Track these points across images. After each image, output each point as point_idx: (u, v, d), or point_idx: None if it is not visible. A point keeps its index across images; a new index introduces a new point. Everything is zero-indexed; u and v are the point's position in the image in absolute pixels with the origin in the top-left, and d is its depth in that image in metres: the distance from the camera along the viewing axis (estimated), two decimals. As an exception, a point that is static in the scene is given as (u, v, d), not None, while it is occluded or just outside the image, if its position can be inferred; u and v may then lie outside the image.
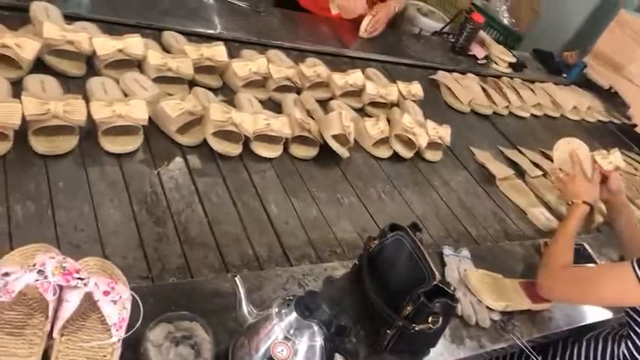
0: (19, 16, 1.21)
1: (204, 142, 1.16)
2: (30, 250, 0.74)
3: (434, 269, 0.82)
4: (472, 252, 1.17)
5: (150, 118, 1.10)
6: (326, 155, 1.30)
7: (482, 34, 2.18)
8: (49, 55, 1.14)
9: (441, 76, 1.91)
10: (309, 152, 1.29)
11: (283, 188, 1.18)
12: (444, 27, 2.28)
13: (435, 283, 0.81)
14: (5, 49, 1.07)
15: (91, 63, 1.20)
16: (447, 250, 1.14)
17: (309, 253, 1.06)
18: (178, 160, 1.11)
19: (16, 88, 1.04)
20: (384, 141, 1.43)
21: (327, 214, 1.17)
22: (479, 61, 2.10)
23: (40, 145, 0.97)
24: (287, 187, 1.19)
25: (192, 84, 1.29)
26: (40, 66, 1.13)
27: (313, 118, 1.34)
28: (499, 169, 1.59)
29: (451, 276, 1.08)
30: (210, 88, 1.31)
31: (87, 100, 1.04)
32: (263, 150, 1.22)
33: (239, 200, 1.09)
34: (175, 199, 1.02)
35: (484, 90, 1.95)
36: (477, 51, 2.11)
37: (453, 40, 2.16)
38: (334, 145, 1.28)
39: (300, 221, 1.12)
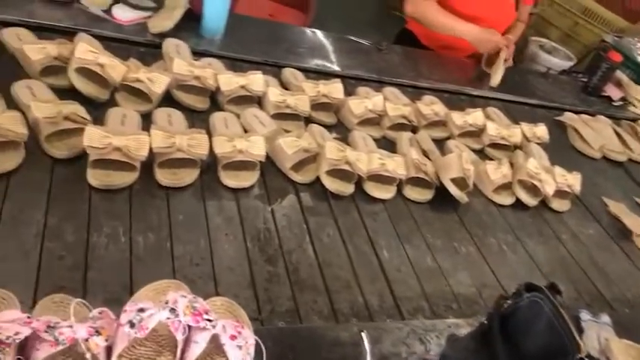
0: (153, 53, 1.28)
1: (317, 180, 1.14)
2: (162, 286, 0.75)
3: (579, 340, 0.72)
4: (612, 318, 1.03)
5: (267, 154, 1.10)
6: (442, 199, 1.23)
7: (618, 73, 2.00)
8: (177, 89, 1.19)
9: (568, 118, 1.76)
10: (425, 195, 1.23)
11: (396, 232, 1.12)
12: (574, 65, 2.14)
13: (579, 357, 0.70)
14: (138, 84, 1.12)
15: (215, 98, 1.24)
16: (584, 315, 1.01)
17: (423, 307, 0.98)
18: (291, 198, 1.10)
19: (146, 121, 1.09)
20: (506, 186, 1.32)
21: (442, 264, 1.09)
22: (614, 103, 1.92)
23: (164, 177, 1.00)
24: (400, 231, 1.13)
25: (308, 120, 1.29)
26: (167, 100, 1.18)
27: (430, 159, 1.28)
28: (636, 224, 1.42)
29: (590, 345, 0.95)
30: (325, 125, 1.30)
31: (209, 134, 1.07)
32: (376, 190, 1.17)
33: (350, 242, 1.05)
34: (287, 238, 1.00)
35: (618, 134, 1.77)
36: (613, 92, 1.93)
37: (584, 79, 2.01)
38: (452, 189, 1.20)
39: (413, 269, 1.05)
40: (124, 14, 1.29)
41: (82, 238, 0.85)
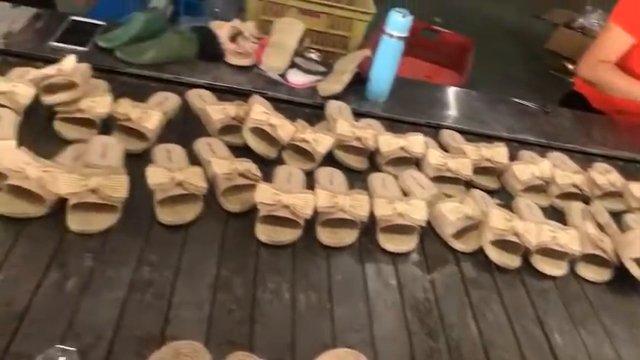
0: (317, 113, 1.33)
1: (480, 250, 1.07)
2: (340, 355, 0.75)
3: None
4: None
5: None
6: (623, 280, 1.09)
7: None
8: (338, 149, 1.22)
9: None
10: (602, 275, 1.10)
11: (569, 315, 1.01)
12: None
13: None
14: (304, 143, 1.17)
15: (373, 158, 1.24)
16: None
17: (606, 406, 0.86)
18: (452, 267, 1.04)
19: (309, 178, 1.13)
20: (703, 272, 1.14)
21: (625, 356, 0.95)
22: None
23: (325, 236, 1.01)
24: (573, 314, 1.01)
25: (468, 185, 1.24)
26: (329, 159, 1.21)
27: (607, 234, 1.15)
28: None
29: None
30: (487, 191, 1.24)
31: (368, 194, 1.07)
32: (546, 266, 1.07)
33: (517, 322, 0.96)
34: (448, 310, 0.95)
35: None
36: None
37: None
38: (635, 271, 1.06)
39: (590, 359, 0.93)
40: (297, 78, 1.37)
41: (250, 292, 0.88)
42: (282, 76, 1.38)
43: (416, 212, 1.04)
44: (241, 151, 1.15)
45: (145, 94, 1.22)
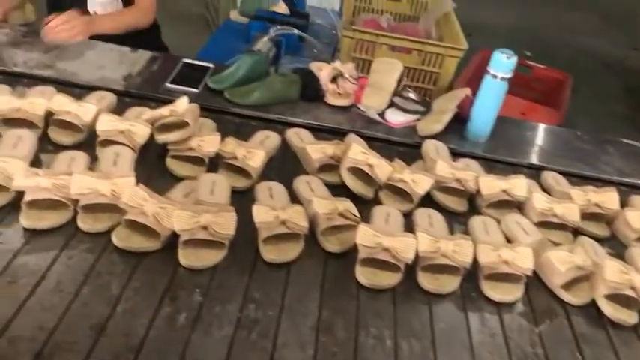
0: (412, 153, 1.32)
1: (591, 303, 1.01)
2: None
3: None
4: None
5: (533, 267, 1.02)
6: None
7: None
8: (437, 190, 1.20)
9: None
10: None
11: (696, 380, 0.92)
12: None
13: None
14: (402, 184, 1.16)
15: (473, 201, 1.21)
16: None
17: None
18: (561, 320, 0.98)
19: (407, 220, 1.11)
20: None
21: None
22: None
23: (426, 281, 0.99)
24: (702, 379, 0.92)
25: (575, 232, 1.17)
26: (427, 200, 1.19)
27: None
28: None
29: None
30: (595, 238, 1.16)
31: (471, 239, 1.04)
32: (668, 324, 0.99)
33: (636, 384, 0.89)
34: (559, 367, 0.89)
35: None
36: None
37: None
38: None
39: None
40: (396, 118, 1.38)
41: (352, 336, 0.87)
42: (381, 115, 1.39)
43: (522, 260, 0.99)
44: (338, 189, 1.16)
45: (247, 133, 1.27)
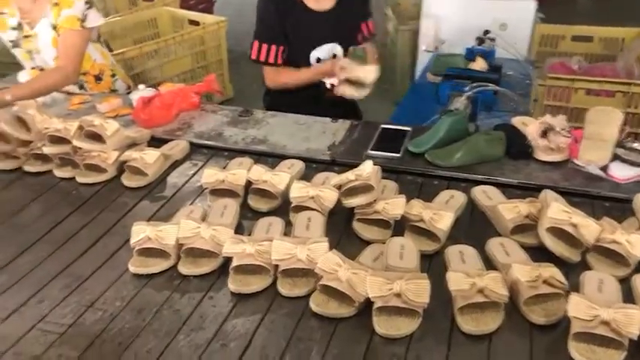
0: (620, 207, 1.18)
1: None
2: None
3: None
4: None
5: None
6: None
7: None
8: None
9: None
10: None
11: None
12: None
13: None
14: (614, 245, 1.02)
15: None
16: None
17: None
18: None
19: (624, 286, 0.97)
20: None
21: None
22: None
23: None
24: None
25: None
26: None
27: None
28: None
29: None
30: None
31: None
32: None
33: None
34: None
35: None
36: None
37: None
38: None
39: None
40: (622, 172, 1.25)
41: None
42: (604, 170, 1.27)
43: None
44: (535, 252, 1.06)
45: (429, 192, 1.24)
